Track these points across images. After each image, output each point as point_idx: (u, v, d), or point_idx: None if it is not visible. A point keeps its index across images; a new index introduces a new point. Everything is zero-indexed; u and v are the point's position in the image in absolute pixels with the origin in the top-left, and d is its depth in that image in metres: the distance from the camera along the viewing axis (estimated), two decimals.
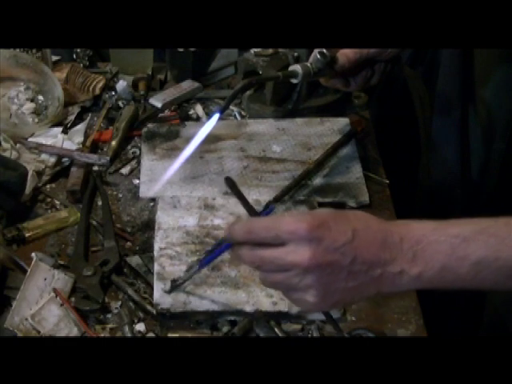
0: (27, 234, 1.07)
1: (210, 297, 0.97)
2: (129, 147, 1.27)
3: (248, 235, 0.76)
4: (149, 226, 1.11)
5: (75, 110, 1.33)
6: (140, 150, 1.25)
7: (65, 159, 1.21)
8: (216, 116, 0.96)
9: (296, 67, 1.03)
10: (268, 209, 0.83)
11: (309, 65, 1.04)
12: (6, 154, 1.18)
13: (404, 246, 0.74)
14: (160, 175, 1.18)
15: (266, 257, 0.75)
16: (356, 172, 1.19)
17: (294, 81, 1.05)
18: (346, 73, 1.10)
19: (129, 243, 1.09)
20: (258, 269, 0.77)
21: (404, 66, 1.23)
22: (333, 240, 0.73)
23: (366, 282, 0.74)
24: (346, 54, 1.07)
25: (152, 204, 1.15)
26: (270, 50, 1.30)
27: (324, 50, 1.03)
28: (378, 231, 0.75)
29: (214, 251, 0.95)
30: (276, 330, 0.95)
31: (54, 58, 1.42)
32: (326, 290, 0.74)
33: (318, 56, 1.03)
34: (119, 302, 0.99)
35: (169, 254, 1.02)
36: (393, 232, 0.74)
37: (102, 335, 0.95)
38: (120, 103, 1.36)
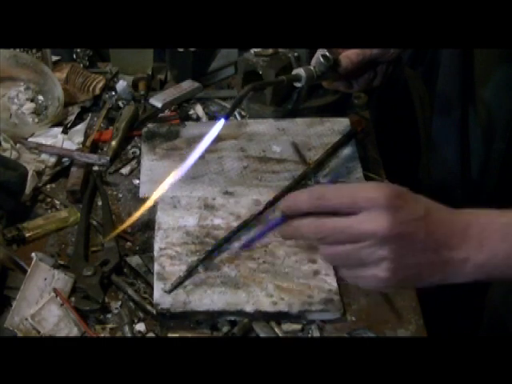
0: (27, 234, 1.07)
1: (209, 297, 0.97)
2: (129, 147, 1.27)
3: (318, 201, 0.72)
4: (149, 226, 1.10)
5: (75, 110, 1.33)
6: (140, 150, 1.25)
7: (65, 159, 1.21)
8: (221, 122, 0.97)
9: (299, 71, 1.03)
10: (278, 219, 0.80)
11: (312, 68, 1.04)
12: (6, 154, 1.18)
13: (470, 232, 0.72)
14: (160, 175, 1.18)
15: (337, 226, 0.71)
16: (356, 172, 1.19)
17: (298, 84, 1.04)
18: (348, 75, 1.10)
19: (129, 243, 1.09)
20: (322, 241, 0.73)
21: (405, 66, 1.23)
22: (410, 211, 0.71)
23: (435, 263, 0.72)
24: (348, 57, 1.07)
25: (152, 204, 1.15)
26: (270, 50, 1.30)
27: (327, 53, 1.03)
28: (447, 214, 0.73)
29: (263, 228, 0.89)
30: (276, 329, 0.95)
31: (54, 58, 1.42)
32: (399, 262, 0.71)
33: (321, 59, 1.03)
34: (119, 302, 0.99)
35: (169, 254, 1.02)
36: (460, 218, 0.73)
37: (102, 335, 0.95)
38: (120, 103, 1.36)
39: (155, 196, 1.00)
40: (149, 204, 1.00)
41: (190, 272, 0.99)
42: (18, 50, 1.34)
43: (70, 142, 1.25)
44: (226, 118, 0.98)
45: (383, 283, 0.74)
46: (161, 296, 0.97)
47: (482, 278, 0.75)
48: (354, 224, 0.71)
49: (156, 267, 1.01)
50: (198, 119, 1.34)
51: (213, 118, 1.34)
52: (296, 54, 1.31)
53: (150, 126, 1.29)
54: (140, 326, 0.96)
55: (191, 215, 1.09)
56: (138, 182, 1.19)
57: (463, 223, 0.73)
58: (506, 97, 1.25)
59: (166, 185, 1.00)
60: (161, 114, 1.34)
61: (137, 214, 1.01)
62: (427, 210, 0.72)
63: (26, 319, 0.93)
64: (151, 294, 0.98)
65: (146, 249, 1.06)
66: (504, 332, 1.24)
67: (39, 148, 1.21)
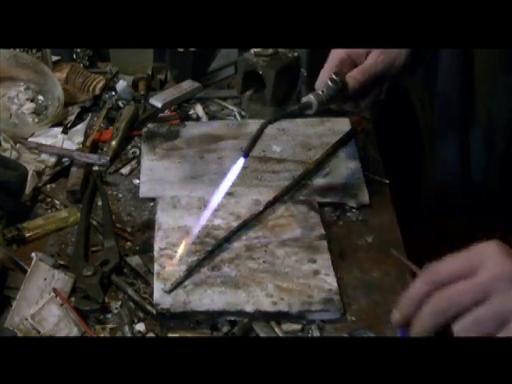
0: (27, 234, 1.07)
1: (209, 297, 0.97)
2: (129, 147, 1.27)
3: (431, 277, 0.70)
4: (149, 226, 1.11)
5: (75, 110, 1.33)
6: (140, 149, 1.25)
7: (65, 159, 1.21)
8: (241, 160, 1.00)
9: (309, 98, 1.03)
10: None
11: (321, 93, 1.03)
12: (6, 154, 1.18)
13: None
14: (160, 175, 1.18)
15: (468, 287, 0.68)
16: (356, 172, 1.19)
17: (310, 112, 1.04)
18: (355, 95, 1.09)
19: (129, 243, 1.09)
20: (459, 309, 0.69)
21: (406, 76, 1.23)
22: None
23: None
24: (354, 77, 1.06)
25: (152, 204, 1.15)
26: (270, 50, 1.30)
27: (334, 77, 1.03)
28: None
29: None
30: (276, 329, 0.95)
31: (54, 58, 1.42)
32: None
33: (330, 83, 1.03)
34: (119, 302, 0.99)
35: (169, 254, 1.02)
36: None
37: (102, 335, 0.95)
38: (120, 103, 1.36)
39: None
40: None
41: (190, 272, 0.99)
42: (17, 49, 1.34)
43: (70, 142, 1.25)
44: (246, 156, 1.00)
45: None
46: (161, 296, 0.97)
47: None
48: (479, 279, 0.68)
49: (156, 267, 1.01)
50: (198, 119, 1.34)
51: (213, 117, 1.34)
52: (296, 54, 1.31)
53: (150, 125, 1.29)
54: (140, 326, 0.96)
55: (191, 215, 1.09)
56: (138, 181, 1.19)
57: None
58: (506, 97, 1.24)
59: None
60: (161, 114, 1.34)
61: None
62: None
63: (26, 319, 0.93)
64: (151, 294, 0.98)
65: (146, 249, 1.06)
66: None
67: (39, 148, 1.21)
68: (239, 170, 1.01)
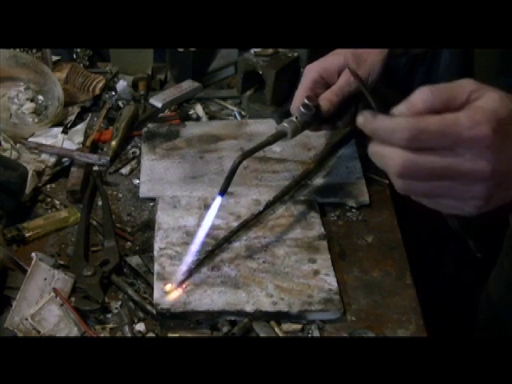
0: (27, 234, 1.07)
1: (209, 297, 0.97)
2: (129, 147, 1.27)
3: (415, 137, 0.68)
4: (149, 225, 1.11)
5: (75, 110, 1.33)
6: (140, 149, 1.25)
7: (65, 159, 1.21)
8: (218, 199, 0.99)
9: (283, 127, 1.00)
10: None
11: (295, 120, 1.00)
12: (6, 154, 1.18)
13: None
14: (160, 175, 1.18)
15: (437, 164, 0.68)
16: (356, 172, 1.19)
17: (285, 140, 1.01)
18: (331, 117, 1.07)
19: (129, 243, 1.09)
20: (408, 177, 0.69)
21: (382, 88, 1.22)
22: (510, 147, 0.68)
23: None
24: (328, 99, 1.04)
25: (152, 204, 1.15)
26: (270, 50, 1.30)
27: (307, 101, 1.00)
28: None
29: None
30: (276, 329, 0.95)
31: (54, 58, 1.42)
32: (490, 200, 0.70)
33: (303, 109, 1.00)
34: (119, 302, 0.99)
35: (169, 254, 1.02)
36: None
37: (102, 335, 0.95)
38: (120, 103, 1.36)
39: None
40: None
41: (190, 272, 0.99)
42: (17, 49, 1.34)
43: (70, 141, 1.25)
44: (222, 194, 0.98)
45: (465, 214, 0.72)
46: (161, 296, 0.97)
47: None
48: (456, 163, 0.68)
49: (156, 267, 1.01)
50: (198, 119, 1.34)
51: (213, 117, 1.35)
52: (296, 54, 1.31)
53: (150, 125, 1.29)
54: (140, 326, 0.96)
55: (191, 215, 1.09)
56: (137, 181, 1.19)
57: None
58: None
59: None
60: (161, 114, 1.34)
61: None
62: None
63: (26, 319, 0.93)
64: (151, 294, 0.98)
65: (146, 249, 1.06)
66: (501, 331, 1.24)
67: (39, 148, 1.21)
68: (217, 209, 1.00)
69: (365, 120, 0.71)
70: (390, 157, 0.69)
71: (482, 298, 1.30)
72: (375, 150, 0.71)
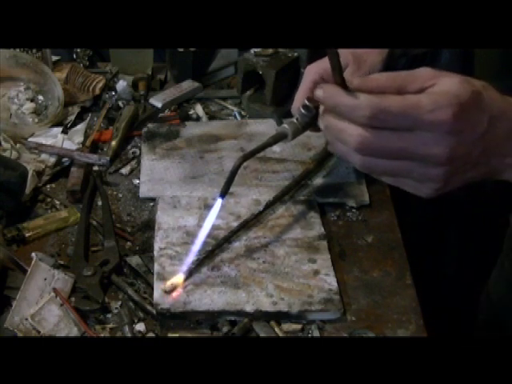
0: (27, 234, 1.07)
1: (209, 297, 0.97)
2: (129, 147, 1.27)
3: (377, 115, 0.67)
4: (149, 225, 1.11)
5: (75, 110, 1.33)
6: (140, 149, 1.25)
7: (65, 159, 1.21)
8: (219, 201, 0.98)
9: (284, 128, 0.99)
10: None
11: (295, 121, 0.99)
12: (6, 154, 1.18)
13: None
14: (160, 175, 1.18)
15: (395, 144, 0.68)
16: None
17: (286, 141, 1.00)
18: None
19: (129, 243, 1.09)
20: (366, 153, 0.69)
21: None
22: (471, 131, 0.68)
23: (482, 172, 0.71)
24: None
25: (152, 204, 1.15)
26: (270, 50, 1.30)
27: (307, 103, 0.98)
28: (509, 120, 0.70)
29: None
30: (276, 329, 0.95)
31: (54, 58, 1.42)
32: (448, 182, 0.70)
33: (303, 111, 0.98)
34: (119, 302, 0.99)
35: (169, 254, 1.03)
36: None
37: (102, 335, 0.95)
38: (120, 103, 1.36)
39: None
40: None
41: (190, 272, 0.99)
42: (17, 49, 1.34)
43: (70, 141, 1.25)
44: (222, 197, 0.98)
45: (422, 195, 0.73)
46: (161, 296, 0.97)
47: None
48: (415, 144, 0.68)
49: (156, 267, 1.01)
50: (197, 119, 1.34)
51: (213, 117, 1.35)
52: (296, 54, 1.31)
53: (150, 125, 1.29)
54: (140, 326, 0.96)
55: (191, 215, 1.09)
56: (138, 181, 1.19)
57: None
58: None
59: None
60: (161, 114, 1.34)
61: None
62: (490, 122, 0.69)
63: (26, 319, 0.93)
64: (151, 294, 0.98)
65: (146, 249, 1.06)
66: (501, 331, 1.24)
67: (39, 148, 1.21)
68: (218, 211, 1.00)
69: (325, 94, 0.71)
70: (348, 132, 0.69)
71: (482, 297, 1.30)
72: (333, 123, 0.71)
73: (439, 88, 0.69)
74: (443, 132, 0.67)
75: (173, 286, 0.97)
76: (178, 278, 0.98)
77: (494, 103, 0.70)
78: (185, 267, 0.99)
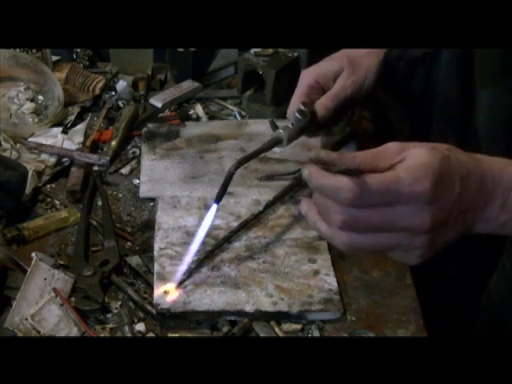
0: (27, 234, 1.07)
1: (209, 297, 0.97)
2: (129, 147, 1.27)
3: (358, 197, 0.69)
4: (149, 225, 1.11)
5: (75, 110, 1.33)
6: (140, 149, 1.25)
7: (65, 159, 1.21)
8: (214, 207, 0.97)
9: (279, 133, 0.99)
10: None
11: (290, 126, 0.99)
12: (6, 154, 1.18)
13: (496, 191, 0.73)
14: (160, 175, 1.18)
15: (378, 219, 0.70)
16: None
17: (281, 146, 1.00)
18: (327, 122, 1.06)
19: (129, 243, 1.09)
20: (350, 229, 0.72)
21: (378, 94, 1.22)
22: (447, 196, 0.70)
23: (460, 230, 0.73)
24: (323, 104, 1.04)
25: (152, 204, 1.15)
26: (270, 50, 1.30)
27: (302, 107, 0.99)
28: (477, 176, 0.73)
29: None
30: (276, 329, 0.95)
31: (54, 58, 1.42)
32: (431, 248, 0.72)
33: (298, 116, 0.99)
34: (119, 302, 0.99)
35: (169, 254, 1.02)
36: (487, 176, 0.73)
37: (102, 335, 0.95)
38: (120, 103, 1.36)
39: None
40: None
41: (190, 272, 1.00)
42: (17, 49, 1.34)
43: (70, 141, 1.25)
44: (217, 202, 0.97)
45: (411, 263, 0.75)
46: (161, 296, 0.97)
47: (501, 234, 0.76)
48: (397, 217, 0.70)
49: (156, 267, 1.01)
50: (197, 119, 1.34)
51: (213, 117, 1.35)
52: (296, 54, 1.31)
53: (150, 125, 1.29)
54: (140, 326, 0.96)
55: (191, 215, 1.09)
56: (138, 181, 1.19)
57: (491, 182, 0.73)
58: (506, 97, 1.24)
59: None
60: (161, 114, 1.34)
61: None
62: (462, 184, 0.71)
63: (26, 319, 0.93)
64: (151, 294, 0.98)
65: (146, 249, 1.06)
66: (501, 332, 1.24)
67: (39, 148, 1.21)
68: (212, 217, 0.99)
69: (310, 175, 0.74)
70: (333, 211, 0.72)
71: (482, 298, 1.30)
72: (321, 201, 0.74)
73: (412, 161, 0.71)
74: (423, 203, 0.70)
75: (166, 292, 0.97)
76: (170, 287, 0.98)
77: (462, 164, 0.73)
78: (185, 267, 0.99)
